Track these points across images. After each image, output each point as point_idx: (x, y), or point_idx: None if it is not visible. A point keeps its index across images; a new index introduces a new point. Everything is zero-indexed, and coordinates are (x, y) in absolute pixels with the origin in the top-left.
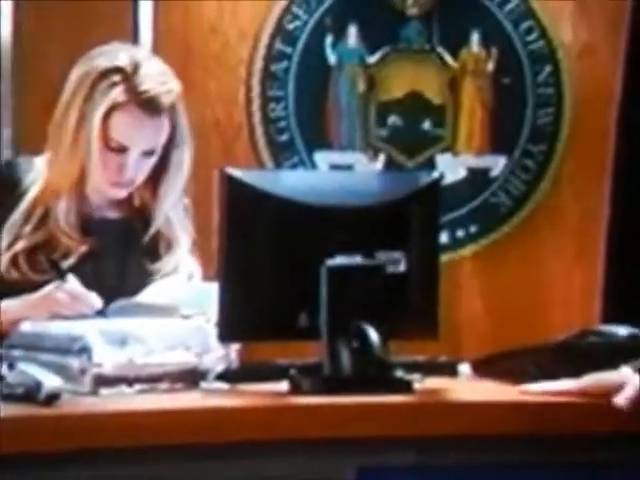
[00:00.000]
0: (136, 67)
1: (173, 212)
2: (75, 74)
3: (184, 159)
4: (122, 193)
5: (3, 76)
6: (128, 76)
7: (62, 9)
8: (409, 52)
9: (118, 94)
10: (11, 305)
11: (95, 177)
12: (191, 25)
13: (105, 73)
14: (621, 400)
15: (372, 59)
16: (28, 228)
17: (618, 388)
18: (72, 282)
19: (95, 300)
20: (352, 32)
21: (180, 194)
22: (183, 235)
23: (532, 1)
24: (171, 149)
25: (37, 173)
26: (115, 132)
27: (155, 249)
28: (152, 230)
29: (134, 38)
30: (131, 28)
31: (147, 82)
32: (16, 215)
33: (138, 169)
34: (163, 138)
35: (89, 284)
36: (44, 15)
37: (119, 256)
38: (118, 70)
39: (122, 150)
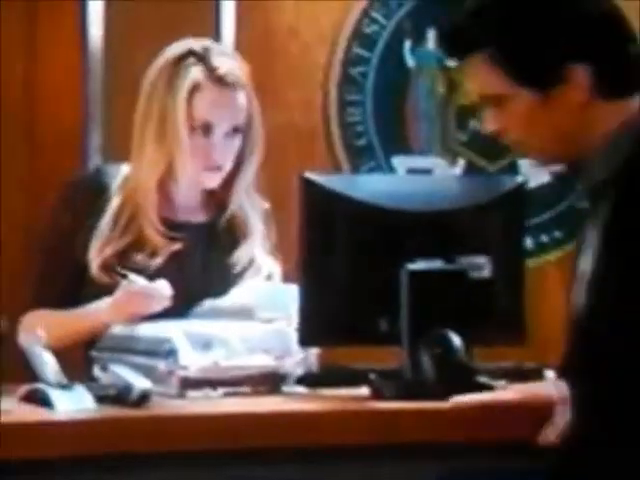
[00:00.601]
0: (207, 49)
1: (246, 201)
2: (151, 70)
3: (258, 140)
4: (214, 180)
5: (94, 79)
6: (201, 57)
7: (149, 12)
8: None
9: (196, 74)
10: (95, 309)
11: (185, 163)
12: (271, 29)
13: (180, 58)
14: (551, 436)
15: (452, 63)
16: (117, 232)
17: (550, 398)
18: (137, 280)
19: (164, 289)
20: (431, 36)
21: (251, 180)
22: (257, 224)
23: None
24: (249, 129)
25: (126, 177)
26: (199, 111)
27: (232, 240)
28: (227, 216)
29: (216, 39)
30: (214, 31)
31: (220, 59)
32: (105, 220)
33: (226, 151)
34: (243, 116)
35: (174, 286)
36: (132, 18)
37: (203, 257)
38: (191, 53)
39: (207, 130)
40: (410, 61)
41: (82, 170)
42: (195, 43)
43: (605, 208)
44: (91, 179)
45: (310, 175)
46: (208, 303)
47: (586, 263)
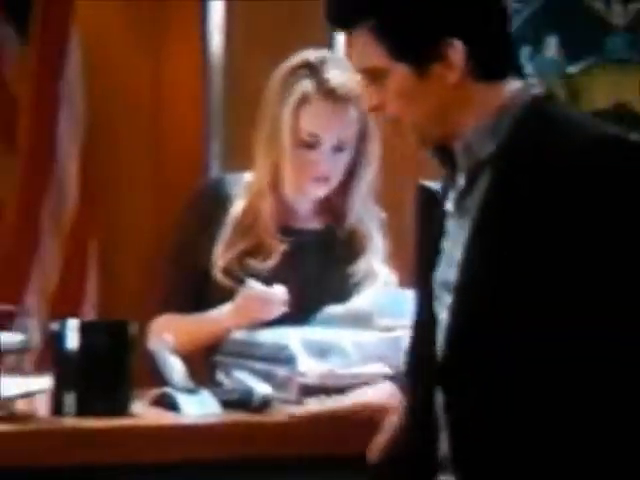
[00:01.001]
0: (322, 61)
1: (364, 211)
2: (270, 80)
3: (373, 154)
4: (320, 191)
5: (214, 90)
6: (315, 69)
7: (268, 21)
8: (614, 63)
9: (306, 86)
10: (217, 314)
11: (290, 174)
12: None
13: (294, 69)
14: (374, 450)
15: (573, 69)
16: (237, 236)
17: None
18: (255, 285)
19: (281, 294)
20: (551, 43)
21: (369, 191)
22: (375, 235)
23: None
24: (361, 143)
25: (245, 185)
26: (306, 123)
27: (350, 252)
28: (346, 229)
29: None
30: (329, 38)
31: (333, 73)
32: (228, 224)
33: (332, 164)
34: (353, 130)
35: (290, 292)
36: (251, 27)
37: (319, 264)
38: (305, 65)
39: (314, 143)
40: (529, 68)
41: (204, 178)
42: (313, 54)
43: (482, 187)
44: (215, 188)
45: (425, 183)
46: (327, 310)
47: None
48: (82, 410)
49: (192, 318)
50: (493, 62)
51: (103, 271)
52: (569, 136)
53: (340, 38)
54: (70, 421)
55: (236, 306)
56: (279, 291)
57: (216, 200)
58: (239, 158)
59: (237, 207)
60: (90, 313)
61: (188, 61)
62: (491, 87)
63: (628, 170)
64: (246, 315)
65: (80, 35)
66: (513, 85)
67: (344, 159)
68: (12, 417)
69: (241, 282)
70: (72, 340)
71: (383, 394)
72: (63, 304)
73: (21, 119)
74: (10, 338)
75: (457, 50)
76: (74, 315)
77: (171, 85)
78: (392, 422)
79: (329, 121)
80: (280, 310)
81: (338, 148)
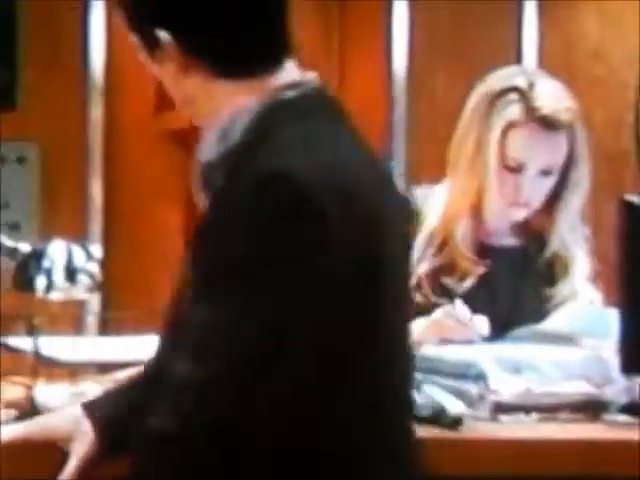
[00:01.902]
0: (532, 85)
1: (570, 235)
2: (473, 98)
3: (582, 180)
4: (520, 215)
5: (397, 105)
6: (524, 94)
7: (450, 38)
8: None
9: (515, 112)
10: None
11: (492, 198)
12: (573, 50)
13: (501, 93)
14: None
15: None
16: (430, 252)
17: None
18: (460, 308)
19: (482, 326)
20: None
21: (577, 216)
22: (581, 259)
23: None
24: (569, 169)
25: (437, 200)
26: (512, 150)
27: (551, 274)
28: (548, 253)
29: (517, 63)
30: (515, 54)
31: (544, 99)
32: (419, 240)
33: (535, 190)
34: (561, 157)
35: (484, 309)
36: (433, 45)
37: (514, 282)
38: (514, 89)
39: (519, 169)
40: None
41: None
42: (520, 77)
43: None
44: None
45: (631, 197)
46: (523, 329)
47: None
48: None
49: None
50: (232, 59)
51: None
52: (262, 160)
53: (529, 53)
54: None
55: (433, 321)
56: (481, 322)
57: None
58: (421, 172)
59: (430, 223)
60: None
61: (371, 77)
62: (238, 85)
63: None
64: (440, 332)
65: None
66: (270, 84)
67: (549, 184)
68: None
69: (450, 299)
70: None
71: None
72: None
73: None
74: None
75: (166, 41)
76: None
77: (354, 101)
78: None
79: (537, 148)
80: (475, 339)
81: (544, 173)
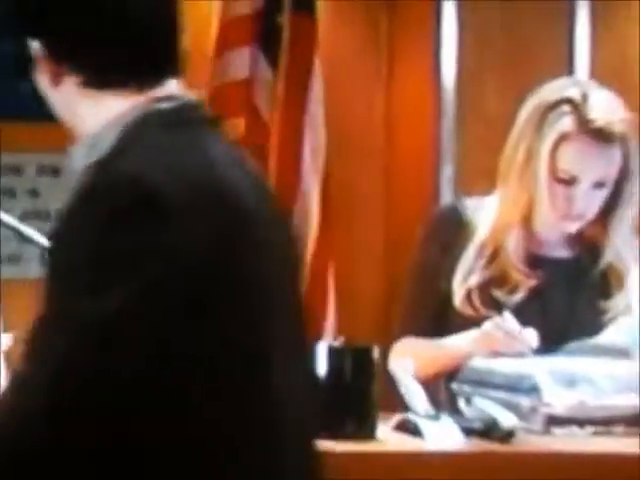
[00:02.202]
0: (585, 97)
1: (624, 247)
2: (524, 109)
3: (635, 192)
4: (572, 227)
5: (446, 115)
6: (577, 106)
7: (500, 48)
8: None
9: (567, 124)
10: (459, 340)
11: (543, 210)
12: (628, 60)
13: (554, 104)
14: None
15: None
16: (480, 264)
17: None
18: (509, 320)
19: (531, 338)
20: None
21: (631, 228)
22: (635, 272)
23: None
24: (622, 181)
25: (487, 211)
26: (564, 163)
27: (606, 287)
28: (602, 265)
29: (569, 73)
30: (567, 63)
31: (597, 111)
32: (469, 252)
33: (588, 202)
34: (614, 169)
35: (536, 322)
36: (483, 54)
37: (567, 294)
38: (567, 101)
39: (571, 182)
40: None
41: (441, 202)
42: (574, 88)
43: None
44: (455, 212)
45: None
46: (577, 342)
47: None
48: (332, 432)
49: (432, 342)
50: (102, 71)
51: (339, 294)
52: (112, 166)
53: (582, 62)
54: (321, 444)
55: (482, 333)
56: (530, 335)
57: (457, 225)
58: (470, 183)
59: (481, 235)
60: (330, 336)
61: (420, 86)
62: (111, 96)
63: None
64: (489, 345)
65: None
66: (146, 96)
67: (602, 197)
68: None
69: (498, 311)
70: (322, 364)
71: None
72: (308, 326)
73: (271, 147)
74: None
75: (38, 51)
76: (316, 338)
77: (403, 110)
78: None
79: (590, 161)
80: (524, 351)
81: (597, 186)
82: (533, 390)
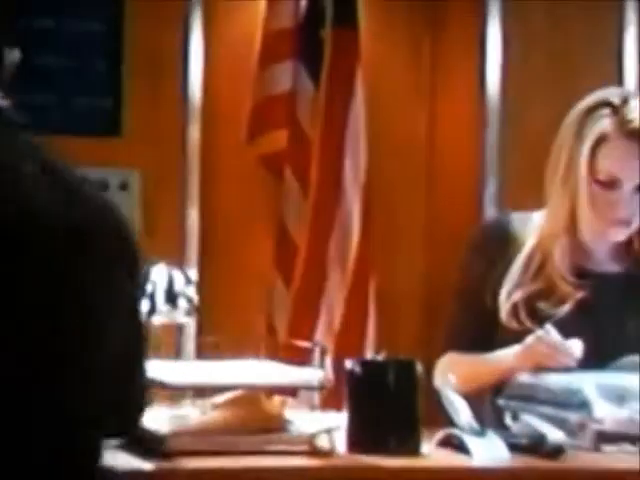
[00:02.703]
0: (625, 100)
1: None
2: (566, 119)
3: None
4: (619, 235)
5: (491, 132)
6: (616, 109)
7: (545, 61)
8: None
9: (605, 125)
10: (502, 355)
11: (586, 216)
12: None
13: (594, 107)
14: None
15: None
16: (527, 277)
17: None
18: (552, 333)
19: (576, 350)
20: None
21: None
22: None
23: None
24: None
25: (534, 224)
26: (604, 164)
27: None
28: None
29: (619, 84)
30: (614, 76)
31: (636, 113)
32: (516, 265)
33: (633, 207)
34: None
35: (584, 337)
36: (529, 70)
37: (617, 309)
38: (606, 104)
39: (612, 185)
40: None
41: (485, 217)
42: (615, 93)
43: None
44: (502, 226)
45: None
46: (628, 358)
47: None
48: (375, 448)
49: (478, 357)
50: None
51: (381, 307)
52: None
53: (628, 73)
54: (365, 459)
55: (525, 347)
56: (575, 345)
57: (502, 239)
58: (515, 198)
59: (528, 248)
60: (370, 350)
61: (464, 100)
62: None
63: None
64: (534, 359)
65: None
66: None
67: None
68: (314, 453)
69: (539, 325)
70: (364, 378)
71: None
72: (348, 340)
73: (313, 161)
74: (310, 374)
75: None
76: (358, 351)
77: (446, 125)
78: None
79: (631, 162)
80: (569, 364)
81: None
82: (582, 406)
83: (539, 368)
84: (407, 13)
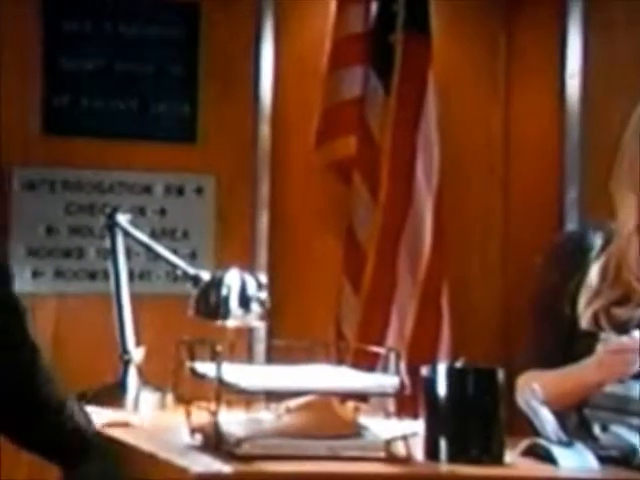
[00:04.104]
0: None
1: None
2: (630, 120)
3: None
4: None
5: (571, 138)
6: None
7: (627, 66)
8: None
9: None
10: (586, 368)
11: None
12: None
13: None
14: None
15: None
16: (605, 284)
17: None
18: (612, 337)
19: None
20: None
21: None
22: None
23: None
24: None
25: (613, 229)
26: None
27: None
28: None
29: None
30: None
31: None
32: (593, 273)
33: None
34: None
35: None
36: (611, 76)
37: None
38: None
39: None
40: None
41: (566, 229)
42: None
43: None
44: (578, 237)
45: None
46: None
47: None
48: (456, 456)
49: (560, 371)
50: None
51: (454, 315)
52: None
53: None
54: (445, 467)
55: (598, 360)
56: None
57: (579, 250)
58: (597, 208)
59: (606, 253)
60: (444, 357)
61: (543, 108)
62: None
63: None
64: (611, 370)
65: (434, 85)
66: None
67: None
68: (390, 459)
69: (608, 331)
70: (443, 385)
71: None
72: (420, 347)
73: (383, 167)
74: (385, 380)
75: None
76: (430, 359)
77: (524, 132)
78: None
79: None
80: None
81: None
82: None
83: (623, 377)
84: (481, 13)
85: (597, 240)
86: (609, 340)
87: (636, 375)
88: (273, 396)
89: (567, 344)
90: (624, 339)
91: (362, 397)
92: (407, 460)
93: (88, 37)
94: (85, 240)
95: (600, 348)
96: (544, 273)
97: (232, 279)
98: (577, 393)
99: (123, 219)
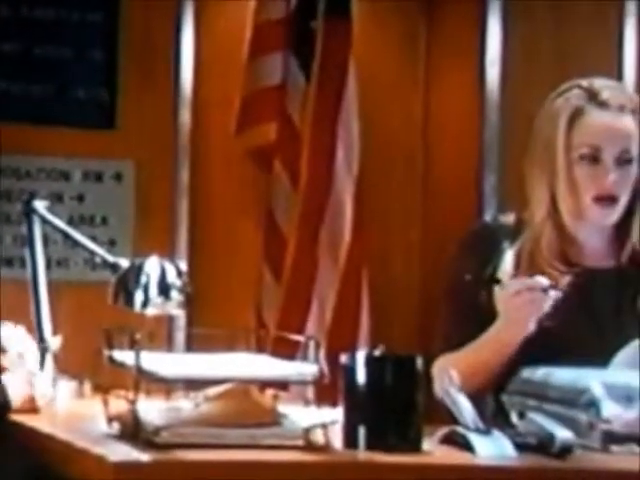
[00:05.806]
0: (591, 81)
1: None
2: (541, 111)
3: None
4: (607, 216)
5: (490, 125)
6: (585, 87)
7: (546, 54)
8: None
9: (577, 99)
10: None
11: (566, 194)
12: None
13: (562, 91)
14: None
15: None
16: (520, 270)
17: None
18: (510, 282)
19: (540, 280)
20: None
21: None
22: None
23: None
24: None
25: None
26: (582, 136)
27: None
28: (624, 256)
29: (618, 80)
30: (615, 70)
31: (604, 88)
32: (508, 258)
33: (618, 179)
34: (635, 140)
35: (585, 332)
36: (531, 63)
37: (615, 305)
38: (575, 86)
39: (594, 156)
40: None
41: (480, 213)
42: (584, 80)
43: None
44: (493, 226)
45: None
46: (629, 352)
47: None
48: (374, 444)
49: (471, 346)
50: None
51: (373, 302)
52: None
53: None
54: (363, 454)
55: (503, 311)
56: (537, 279)
57: (494, 238)
58: (516, 195)
59: (518, 241)
60: (364, 344)
61: (461, 92)
62: None
63: None
64: (519, 315)
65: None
66: None
67: (632, 174)
68: (309, 447)
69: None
70: (361, 373)
71: None
72: (339, 335)
73: (303, 153)
74: (304, 368)
75: None
76: (350, 346)
77: (444, 118)
78: None
79: (606, 131)
80: (550, 299)
81: (622, 162)
82: (591, 405)
83: (530, 327)
84: (401, 0)
85: (510, 228)
86: (508, 285)
87: (553, 358)
88: (193, 385)
89: (483, 332)
90: (524, 279)
91: (282, 385)
92: (325, 448)
93: (5, 20)
94: (1, 227)
95: (500, 294)
96: (459, 261)
97: (151, 266)
98: (496, 359)
99: (40, 205)
